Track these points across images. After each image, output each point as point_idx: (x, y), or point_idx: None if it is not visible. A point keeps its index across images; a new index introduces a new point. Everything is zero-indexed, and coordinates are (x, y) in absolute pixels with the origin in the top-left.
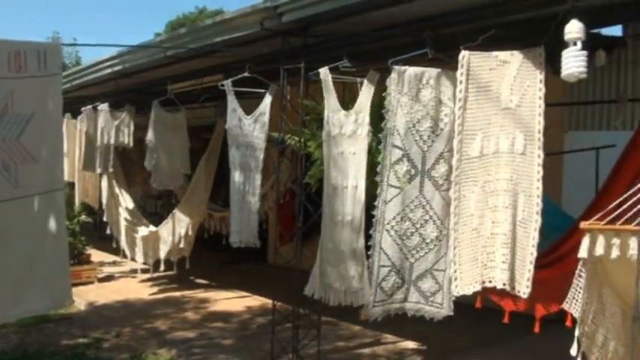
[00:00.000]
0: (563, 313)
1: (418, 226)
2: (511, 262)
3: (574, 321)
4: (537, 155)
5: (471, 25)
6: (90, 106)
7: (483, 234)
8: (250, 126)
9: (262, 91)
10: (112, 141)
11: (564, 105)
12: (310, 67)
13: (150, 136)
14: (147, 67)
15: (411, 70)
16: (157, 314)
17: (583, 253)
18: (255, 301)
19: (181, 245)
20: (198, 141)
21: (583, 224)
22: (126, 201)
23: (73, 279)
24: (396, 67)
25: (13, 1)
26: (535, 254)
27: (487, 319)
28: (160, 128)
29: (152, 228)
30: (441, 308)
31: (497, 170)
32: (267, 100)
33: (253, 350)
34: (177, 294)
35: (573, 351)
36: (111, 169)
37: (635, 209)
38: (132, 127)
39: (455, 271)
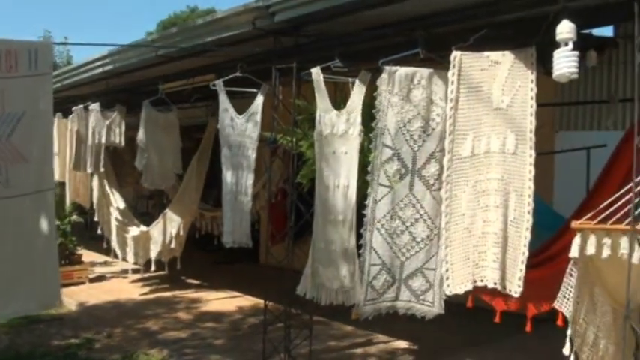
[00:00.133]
0: (554, 313)
1: (408, 224)
2: (502, 261)
3: (565, 320)
4: (529, 155)
5: (463, 25)
6: (81, 106)
7: (475, 233)
8: (242, 126)
9: (254, 90)
10: (104, 141)
11: (555, 105)
12: (302, 66)
13: (141, 135)
14: (138, 66)
15: (402, 70)
16: (148, 314)
17: (574, 252)
18: (247, 301)
19: (172, 245)
20: (190, 141)
21: (574, 224)
22: (117, 201)
23: (65, 279)
24: (387, 67)
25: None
26: (527, 253)
27: (478, 319)
28: (151, 128)
29: (143, 228)
30: (432, 307)
31: (489, 170)
32: (259, 99)
33: (245, 350)
34: (168, 294)
35: (566, 350)
36: (102, 169)
37: (625, 209)
38: (123, 127)
39: (447, 270)
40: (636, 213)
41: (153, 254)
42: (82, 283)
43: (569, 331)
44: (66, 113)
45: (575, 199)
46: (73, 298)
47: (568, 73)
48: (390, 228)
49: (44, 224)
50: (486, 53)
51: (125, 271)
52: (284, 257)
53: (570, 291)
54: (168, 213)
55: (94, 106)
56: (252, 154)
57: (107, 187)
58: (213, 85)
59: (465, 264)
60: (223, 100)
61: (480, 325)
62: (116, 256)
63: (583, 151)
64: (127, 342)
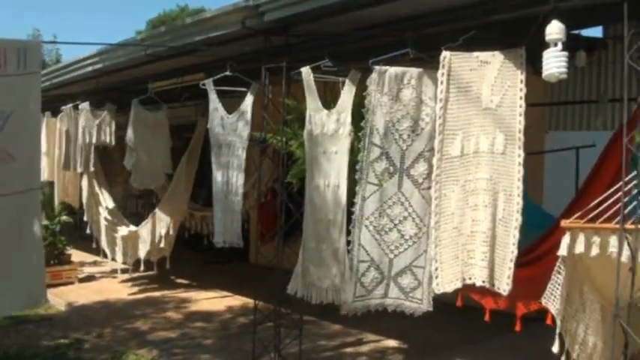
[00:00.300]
0: (543, 312)
1: (397, 222)
2: (491, 260)
3: (554, 319)
4: (518, 155)
5: (453, 26)
6: (70, 105)
7: (464, 232)
8: (232, 125)
9: (244, 90)
10: (94, 140)
11: (545, 105)
12: (292, 66)
13: (129, 135)
14: (127, 65)
15: (392, 70)
16: (137, 314)
17: (563, 250)
18: (237, 300)
19: (162, 245)
20: (179, 140)
21: (564, 222)
22: (106, 200)
23: (54, 279)
24: (377, 67)
25: None
26: (515, 252)
27: (468, 318)
28: (140, 127)
29: (132, 228)
30: (420, 304)
31: (478, 170)
32: (249, 99)
33: (235, 350)
34: (157, 294)
35: (555, 348)
36: (92, 168)
37: (614, 208)
38: (113, 126)
39: (436, 269)
40: (625, 212)
41: (142, 254)
42: (72, 283)
43: (557, 329)
44: (55, 112)
45: (564, 198)
46: (63, 298)
47: (557, 73)
48: (379, 225)
49: (31, 223)
50: (476, 53)
51: (114, 271)
52: (274, 257)
53: (558, 289)
54: (158, 212)
55: (84, 106)
56: (242, 154)
57: (96, 187)
58: (203, 84)
59: (454, 262)
60: (213, 100)
61: (470, 324)
62: (105, 256)
63: (572, 150)
64: (117, 342)
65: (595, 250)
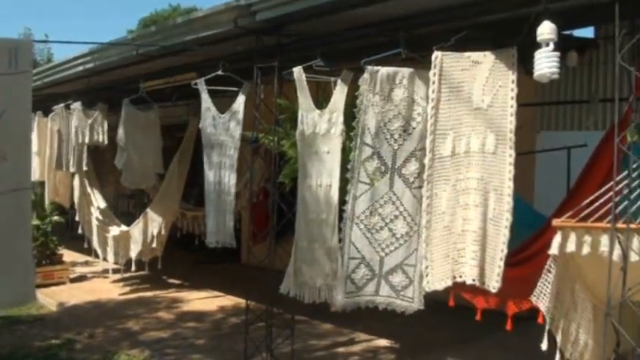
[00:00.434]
0: (535, 311)
1: (388, 220)
2: (481, 259)
3: (545, 318)
4: (509, 155)
5: (445, 26)
6: (62, 105)
7: (454, 231)
8: (224, 125)
9: (236, 89)
10: (87, 140)
11: (536, 105)
12: (284, 66)
13: (120, 134)
14: (119, 64)
15: (384, 70)
16: (129, 315)
17: (554, 249)
18: (228, 300)
19: (154, 245)
20: (171, 140)
21: (555, 222)
22: (97, 200)
23: (45, 279)
24: (369, 67)
25: None
26: (505, 251)
27: (460, 317)
28: (131, 127)
29: (123, 227)
30: (412, 302)
31: (469, 169)
32: (241, 98)
33: (226, 350)
34: (149, 294)
35: (544, 345)
36: (85, 168)
37: (605, 207)
38: (106, 125)
39: (426, 267)
40: (617, 211)
41: (133, 254)
42: (63, 283)
43: (547, 327)
44: (46, 112)
45: (556, 198)
46: (54, 298)
47: (549, 73)
48: (369, 223)
49: (21, 222)
50: (467, 53)
51: (106, 271)
52: (265, 257)
53: (548, 287)
54: (149, 212)
55: (76, 105)
56: (234, 153)
57: (88, 187)
58: (195, 84)
59: (445, 261)
60: (205, 99)
61: (462, 323)
62: (97, 256)
63: (564, 150)
64: (108, 342)
65: (586, 249)
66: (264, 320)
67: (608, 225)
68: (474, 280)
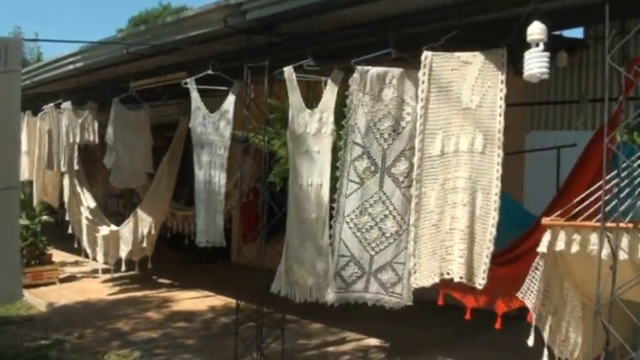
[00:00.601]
0: (524, 310)
1: (378, 220)
2: (468, 257)
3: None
4: (497, 155)
5: (434, 26)
6: (51, 104)
7: (442, 229)
8: (214, 124)
9: (226, 89)
10: (77, 139)
11: (526, 105)
12: (274, 65)
13: (109, 133)
14: (109, 63)
15: (374, 70)
16: (119, 315)
17: (543, 247)
18: (219, 300)
19: (144, 245)
20: (161, 139)
21: (544, 220)
22: (87, 200)
23: (35, 279)
24: (359, 67)
25: None
26: (492, 248)
27: (450, 316)
28: (121, 126)
29: (113, 227)
30: (400, 298)
31: (457, 169)
32: (231, 98)
33: (217, 350)
34: (139, 294)
35: (530, 342)
36: (76, 167)
37: (595, 207)
38: (96, 124)
39: (414, 264)
40: (606, 210)
41: (123, 254)
42: (53, 283)
43: (533, 323)
44: (35, 111)
45: (545, 197)
46: (43, 298)
47: (539, 73)
48: (359, 223)
49: (8, 221)
50: (457, 54)
51: (96, 271)
52: (255, 256)
53: (535, 284)
54: (139, 212)
55: (67, 105)
56: (224, 153)
57: (77, 186)
58: (185, 83)
59: (432, 258)
60: (195, 99)
61: (452, 323)
62: (87, 256)
63: (553, 150)
64: (98, 343)
65: (575, 248)
66: (254, 320)
67: (598, 224)
68: (461, 277)
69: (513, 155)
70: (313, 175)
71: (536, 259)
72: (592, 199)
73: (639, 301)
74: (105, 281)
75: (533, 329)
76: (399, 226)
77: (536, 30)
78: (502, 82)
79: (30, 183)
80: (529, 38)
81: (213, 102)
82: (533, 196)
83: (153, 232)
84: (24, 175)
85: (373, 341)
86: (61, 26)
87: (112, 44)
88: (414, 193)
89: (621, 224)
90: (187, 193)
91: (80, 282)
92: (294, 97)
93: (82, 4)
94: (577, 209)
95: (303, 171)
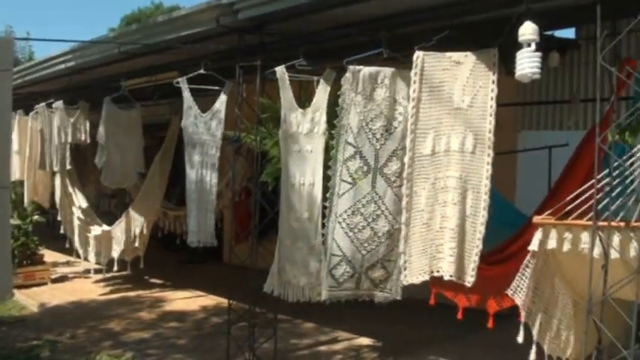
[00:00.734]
0: (516, 308)
1: (370, 220)
2: (458, 255)
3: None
4: (487, 154)
5: (426, 26)
6: (43, 104)
7: (433, 228)
8: (206, 124)
9: (218, 88)
10: (69, 139)
11: (518, 105)
12: (267, 65)
13: (101, 133)
14: (101, 63)
15: (366, 70)
16: (111, 315)
17: (534, 246)
18: (211, 300)
19: (136, 244)
20: (153, 138)
21: (536, 219)
22: (79, 200)
23: (26, 280)
24: (351, 67)
25: None
26: (480, 246)
27: (442, 316)
28: (112, 125)
29: (105, 227)
30: (390, 293)
31: (448, 168)
32: (223, 97)
33: (209, 350)
34: (131, 294)
35: (520, 338)
36: (68, 167)
37: (586, 206)
38: (88, 124)
39: (404, 262)
40: (597, 209)
41: (115, 254)
42: (45, 283)
43: (522, 320)
44: (27, 110)
45: (537, 197)
46: (35, 299)
47: (530, 73)
48: (352, 223)
49: None
50: (449, 54)
51: (88, 272)
52: (247, 256)
53: (525, 281)
54: (131, 212)
55: (58, 104)
56: (215, 153)
57: (69, 186)
58: (177, 82)
59: (423, 256)
60: (187, 98)
61: (443, 322)
62: (79, 256)
63: (545, 150)
64: (90, 343)
65: (567, 246)
66: (246, 320)
67: (590, 223)
68: (451, 275)
69: (505, 155)
70: (306, 174)
71: (527, 257)
72: (583, 197)
73: (631, 300)
74: (97, 281)
75: (522, 326)
76: (391, 225)
77: (528, 30)
78: (493, 82)
79: (21, 183)
80: (521, 38)
81: (205, 101)
82: (525, 196)
83: (145, 231)
84: (15, 174)
85: (365, 341)
86: (54, 28)
87: (104, 43)
88: (405, 192)
89: (613, 223)
90: (179, 193)
91: (72, 282)
92: (286, 96)
93: (74, 7)
94: (568, 208)
95: (296, 171)
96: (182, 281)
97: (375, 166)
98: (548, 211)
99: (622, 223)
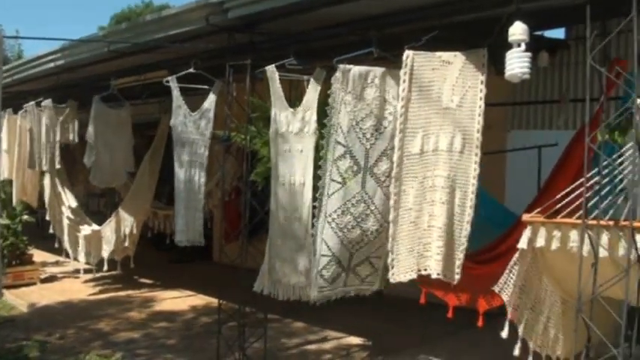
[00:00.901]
0: (506, 307)
1: (359, 220)
2: (446, 254)
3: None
4: (475, 154)
5: (416, 25)
6: (32, 103)
7: (421, 226)
8: (195, 123)
9: (207, 87)
10: (58, 138)
11: (507, 105)
12: (257, 64)
13: (90, 132)
14: (90, 61)
15: (356, 69)
16: (101, 315)
17: (522, 244)
18: (200, 300)
19: (126, 244)
20: (142, 138)
21: (525, 217)
22: (68, 199)
23: (15, 280)
24: (341, 66)
25: None
26: (466, 244)
27: (432, 315)
28: (102, 124)
29: (95, 227)
30: (373, 285)
31: (436, 167)
32: (212, 97)
33: (198, 350)
34: (121, 294)
35: (504, 334)
36: (58, 166)
37: (574, 204)
38: (76, 123)
39: (392, 260)
40: (587, 206)
41: (105, 254)
42: (33, 283)
43: (508, 316)
44: (16, 109)
45: (527, 196)
46: (25, 299)
47: (520, 73)
48: (341, 222)
49: None
50: (438, 53)
51: (77, 271)
52: (237, 256)
53: (512, 278)
54: (121, 211)
55: (47, 103)
56: (204, 152)
57: (58, 186)
58: (167, 81)
59: (410, 254)
60: (177, 97)
61: (434, 321)
62: (68, 256)
63: (535, 149)
64: (80, 343)
65: (555, 244)
66: (236, 319)
67: (579, 221)
68: (438, 274)
69: (495, 155)
70: (296, 174)
71: (516, 255)
72: (573, 196)
73: (620, 299)
74: (86, 281)
75: (507, 322)
76: (380, 224)
77: (517, 30)
78: (482, 82)
79: (10, 182)
80: (511, 38)
81: (194, 100)
82: (515, 196)
83: (135, 231)
84: (4, 174)
85: (355, 340)
86: (44, 28)
87: (93, 42)
88: (394, 190)
89: (602, 222)
90: (169, 192)
91: (61, 282)
92: (277, 95)
93: (65, 7)
94: (558, 206)
95: (286, 170)
96: (172, 281)
97: (365, 165)
98: (538, 210)
99: (611, 222)
